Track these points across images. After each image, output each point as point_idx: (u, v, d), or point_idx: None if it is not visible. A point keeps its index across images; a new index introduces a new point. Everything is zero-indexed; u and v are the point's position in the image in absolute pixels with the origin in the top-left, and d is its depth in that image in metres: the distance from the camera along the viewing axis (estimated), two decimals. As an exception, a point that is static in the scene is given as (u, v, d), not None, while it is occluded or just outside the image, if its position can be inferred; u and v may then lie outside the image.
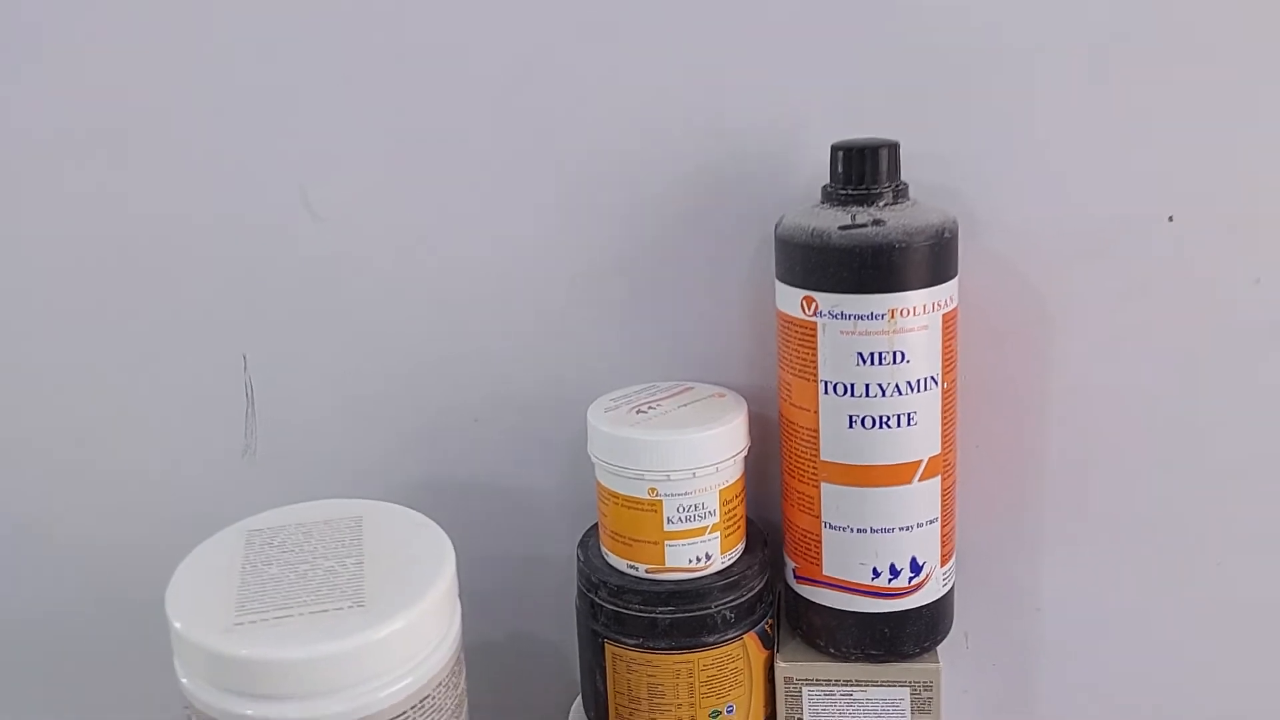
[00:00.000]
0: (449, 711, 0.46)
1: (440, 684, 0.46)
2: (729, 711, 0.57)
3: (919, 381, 0.53)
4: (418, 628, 0.44)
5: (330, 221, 0.62)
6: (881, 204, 0.53)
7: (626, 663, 0.57)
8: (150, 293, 0.64)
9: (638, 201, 0.60)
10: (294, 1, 0.59)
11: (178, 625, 0.43)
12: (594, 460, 0.56)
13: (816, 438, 0.54)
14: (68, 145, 0.62)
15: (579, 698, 0.63)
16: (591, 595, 0.58)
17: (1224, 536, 0.61)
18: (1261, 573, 0.61)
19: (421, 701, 0.45)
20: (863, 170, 0.53)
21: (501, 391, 0.64)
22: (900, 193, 0.54)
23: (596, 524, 0.59)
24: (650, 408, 0.57)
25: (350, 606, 0.44)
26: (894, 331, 0.52)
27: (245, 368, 0.65)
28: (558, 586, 0.66)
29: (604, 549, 0.58)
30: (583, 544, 0.60)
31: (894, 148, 0.54)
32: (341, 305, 0.64)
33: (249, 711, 0.41)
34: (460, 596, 0.65)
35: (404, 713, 0.44)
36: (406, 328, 0.64)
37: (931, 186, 0.56)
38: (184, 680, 0.44)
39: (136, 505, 0.68)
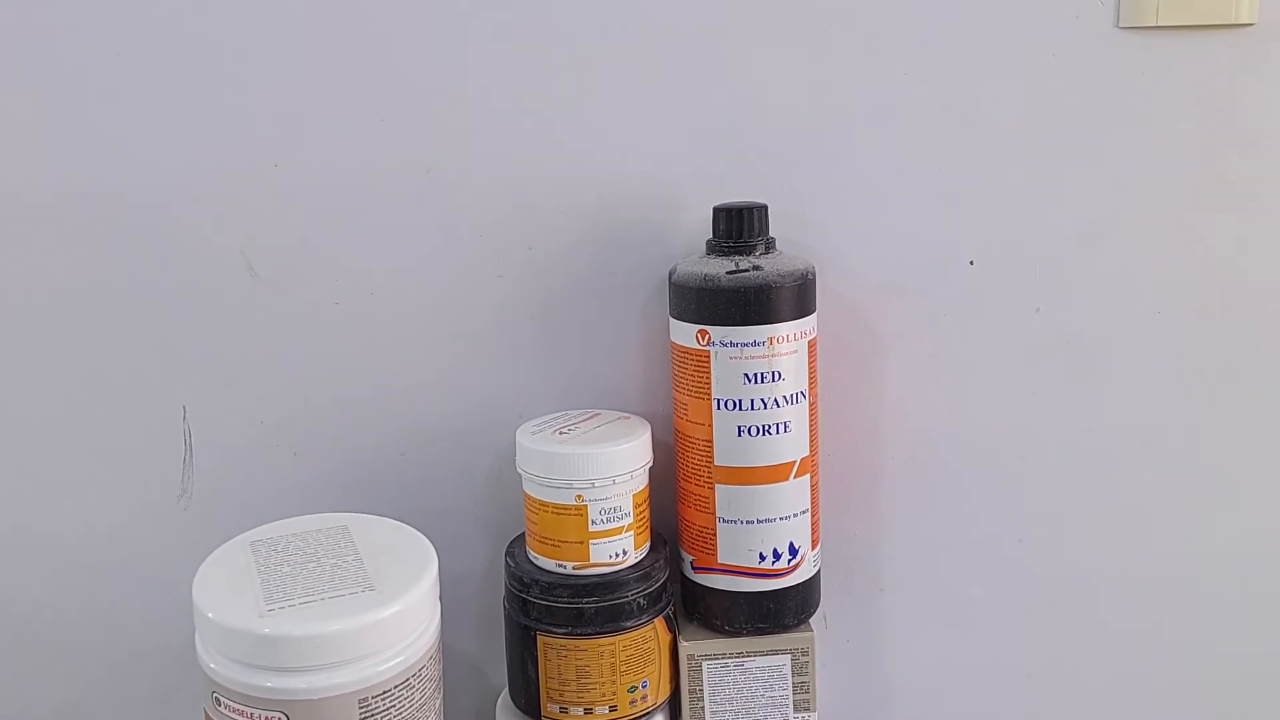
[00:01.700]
0: (435, 682, 0.55)
1: (431, 657, 0.54)
2: (643, 686, 0.67)
3: (791, 395, 0.65)
4: (416, 607, 0.53)
5: (264, 278, 0.70)
6: (757, 253, 0.66)
7: (557, 650, 0.66)
8: (91, 344, 0.70)
9: (544, 256, 0.71)
10: (232, 78, 0.67)
11: (210, 615, 0.50)
12: (524, 474, 0.66)
13: (711, 447, 0.66)
14: (10, 207, 0.68)
15: (504, 692, 0.72)
16: (523, 594, 0.67)
17: (1023, 517, 0.76)
18: (1053, 548, 0.76)
19: (418, 672, 0.53)
20: (741, 227, 0.66)
21: (425, 426, 0.73)
22: (770, 245, 0.67)
23: (522, 534, 0.69)
24: (569, 429, 0.67)
25: (364, 591, 0.52)
26: (772, 355, 0.64)
27: (184, 417, 0.71)
28: (477, 598, 0.74)
29: (532, 553, 0.67)
30: (510, 552, 0.69)
31: (763, 209, 0.67)
32: (273, 356, 0.71)
33: (296, 683, 0.49)
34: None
35: (406, 680, 0.52)
36: (333, 375, 0.71)
37: (790, 240, 0.70)
38: (212, 666, 0.51)
39: (70, 553, 0.73)
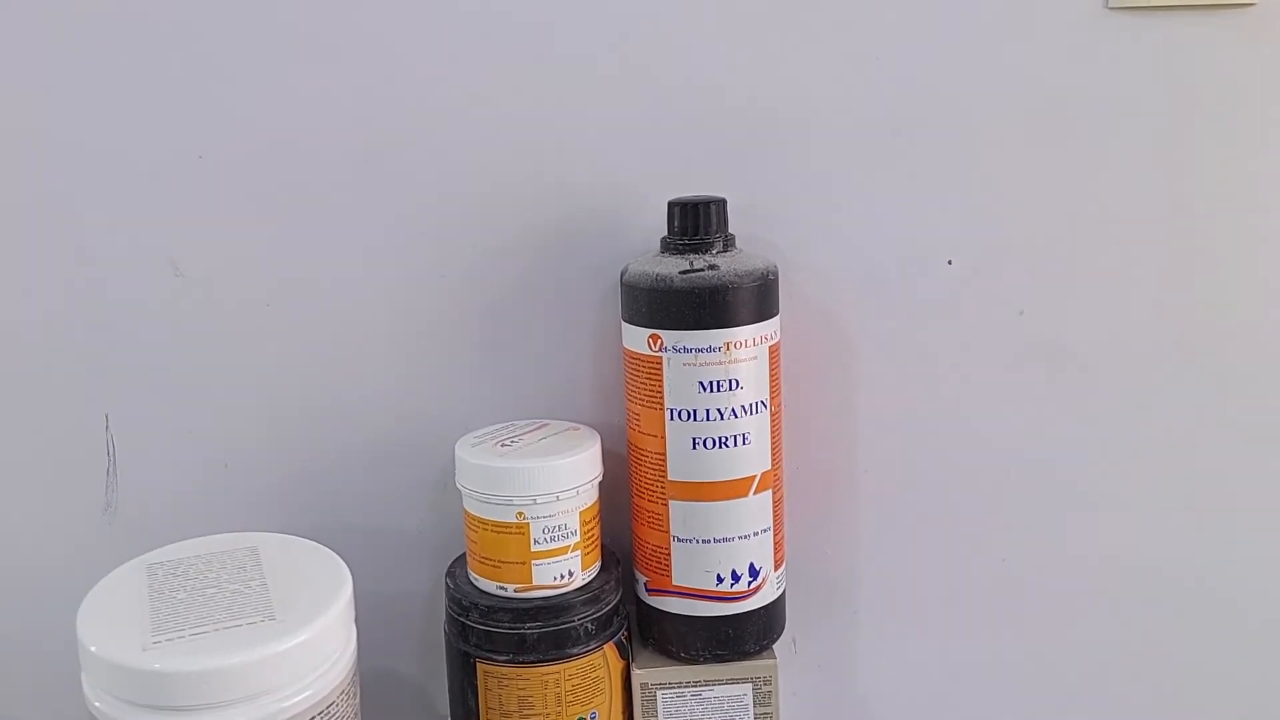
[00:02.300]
0: (352, 717, 0.50)
1: (342, 692, 0.49)
2: (592, 718, 0.62)
3: (750, 405, 0.60)
4: (325, 637, 0.48)
5: (191, 279, 0.65)
6: (714, 251, 0.61)
7: (498, 678, 0.61)
8: (5, 348, 0.66)
9: (489, 255, 0.66)
10: (151, 67, 0.63)
11: (93, 649, 0.46)
12: (463, 490, 0.61)
13: (664, 460, 0.61)
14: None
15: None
16: (462, 619, 0.62)
17: (1006, 533, 0.70)
18: (1039, 566, 0.71)
19: (327, 708, 0.48)
20: (697, 223, 0.61)
21: (363, 437, 0.68)
22: (729, 242, 0.62)
23: (463, 554, 0.64)
24: (513, 441, 0.62)
25: (262, 620, 0.47)
26: (729, 362, 0.59)
27: (107, 426, 0.67)
28: (420, 621, 0.70)
29: (472, 574, 0.63)
30: (450, 573, 0.64)
31: (721, 203, 0.62)
32: (204, 363, 0.66)
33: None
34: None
35: (313, 717, 0.47)
36: (265, 381, 0.67)
37: (752, 237, 0.65)
38: (96, 704, 0.46)
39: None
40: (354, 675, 0.51)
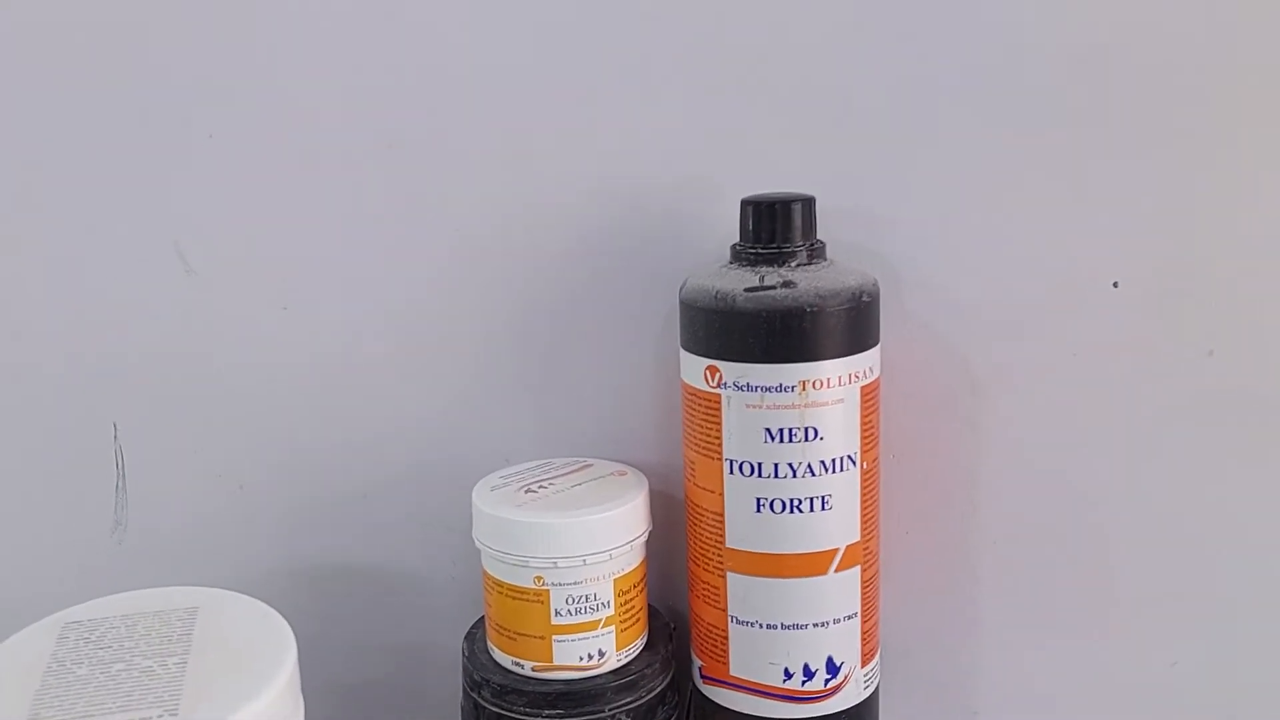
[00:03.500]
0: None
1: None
2: (627, 828, 0.51)
3: (834, 461, 0.48)
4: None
5: (206, 280, 0.57)
6: (794, 264, 0.48)
7: (511, 772, 0.51)
8: (10, 351, 0.59)
9: (537, 265, 0.55)
10: (167, 51, 0.54)
11: (-44, 739, 0.37)
12: (478, 545, 0.51)
13: (722, 522, 0.49)
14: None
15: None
16: (474, 695, 0.52)
17: (1179, 632, 0.55)
18: (1223, 674, 0.55)
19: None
20: (774, 227, 0.48)
21: (392, 468, 0.58)
22: (816, 252, 0.49)
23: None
24: (541, 487, 0.51)
25: (161, 715, 0.38)
26: (805, 405, 0.47)
27: (115, 436, 0.60)
28: (449, 681, 0.60)
29: (490, 644, 0.52)
30: (469, 637, 0.54)
31: (809, 203, 0.49)
32: (218, 371, 0.58)
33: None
34: (340, 689, 0.59)
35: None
36: (281, 396, 0.58)
37: (851, 246, 0.52)
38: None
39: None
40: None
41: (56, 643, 0.42)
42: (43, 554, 0.61)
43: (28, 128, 0.56)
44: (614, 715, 0.50)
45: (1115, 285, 0.52)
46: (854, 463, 0.48)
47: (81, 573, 0.61)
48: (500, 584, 0.50)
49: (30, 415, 0.59)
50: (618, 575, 0.50)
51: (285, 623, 0.43)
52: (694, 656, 0.53)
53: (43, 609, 0.60)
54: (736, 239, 0.50)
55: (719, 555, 0.49)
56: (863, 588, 0.50)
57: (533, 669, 0.50)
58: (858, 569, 0.49)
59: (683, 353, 0.50)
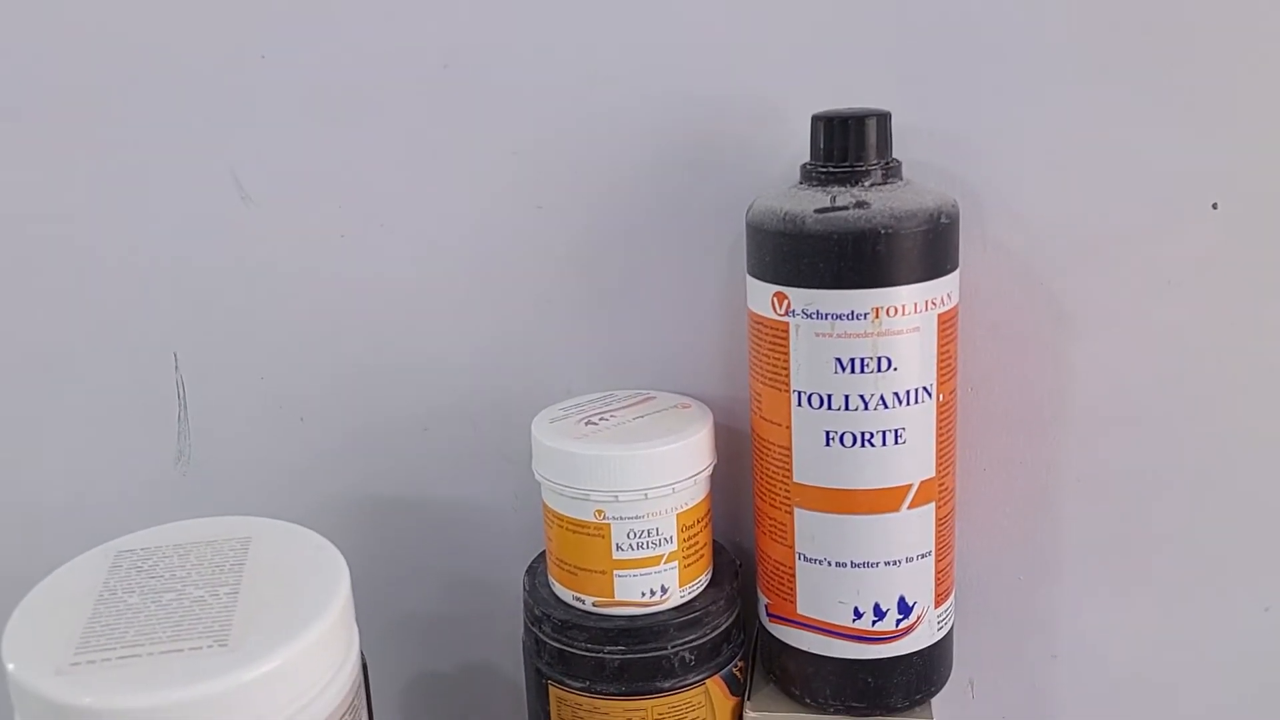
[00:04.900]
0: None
1: (323, 738, 0.39)
2: (690, 766, 0.50)
3: (909, 393, 0.45)
4: (293, 671, 0.37)
5: (263, 209, 0.56)
6: (868, 184, 0.45)
7: (572, 708, 0.50)
8: (71, 284, 0.58)
9: (597, 190, 0.53)
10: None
11: (10, 666, 0.37)
12: (538, 478, 0.49)
13: (789, 457, 0.47)
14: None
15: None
16: (535, 630, 0.51)
17: (1272, 577, 0.52)
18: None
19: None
20: (846, 144, 0.46)
21: (451, 400, 0.57)
22: (891, 171, 0.46)
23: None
24: (602, 419, 0.50)
25: (211, 645, 0.37)
26: (879, 334, 0.44)
27: (176, 367, 0.59)
28: (511, 615, 0.59)
29: (551, 578, 0.51)
30: (530, 570, 0.53)
31: (885, 118, 0.46)
32: (278, 302, 0.57)
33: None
34: (400, 622, 0.58)
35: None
36: (349, 328, 0.57)
37: (929, 166, 0.49)
38: (18, 728, 0.38)
39: (56, 520, 0.62)
40: (350, 710, 0.40)
41: (109, 571, 0.41)
42: (108, 485, 0.61)
43: (85, 61, 0.55)
44: (676, 652, 0.49)
45: (1215, 206, 0.48)
46: (929, 395, 0.46)
47: (146, 505, 0.61)
48: (561, 518, 0.49)
49: (93, 347, 0.59)
50: (680, 510, 0.48)
51: (339, 553, 0.42)
52: (760, 594, 0.51)
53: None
54: (806, 158, 0.48)
55: (786, 491, 0.47)
56: (937, 525, 0.48)
57: (594, 604, 0.49)
58: (932, 506, 0.47)
59: (749, 279, 0.47)
